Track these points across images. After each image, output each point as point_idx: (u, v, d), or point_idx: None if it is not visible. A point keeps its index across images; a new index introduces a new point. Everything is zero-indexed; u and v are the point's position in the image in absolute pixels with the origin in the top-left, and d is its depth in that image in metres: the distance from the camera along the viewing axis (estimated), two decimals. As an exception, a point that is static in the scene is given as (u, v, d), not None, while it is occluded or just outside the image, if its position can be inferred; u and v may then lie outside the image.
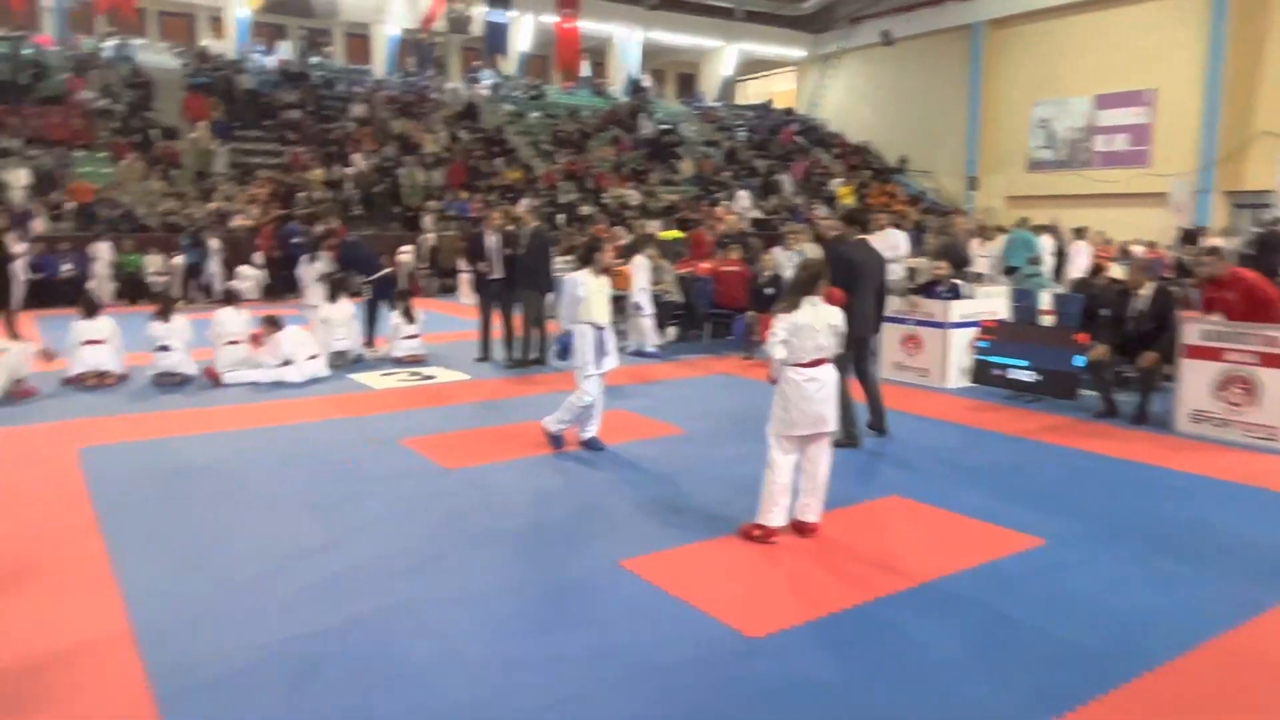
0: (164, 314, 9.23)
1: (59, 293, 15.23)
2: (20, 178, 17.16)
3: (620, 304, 10.74)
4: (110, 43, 23.84)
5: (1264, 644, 3.56)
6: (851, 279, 6.26)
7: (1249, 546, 4.67)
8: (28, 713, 3.08)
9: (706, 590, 4.11)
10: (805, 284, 4.76)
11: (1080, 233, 16.63)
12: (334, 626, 3.72)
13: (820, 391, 4.66)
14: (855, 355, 6.48)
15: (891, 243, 11.49)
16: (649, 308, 11.25)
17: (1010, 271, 12.70)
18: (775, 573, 4.35)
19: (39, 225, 16.22)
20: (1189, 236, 18.34)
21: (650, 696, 3.21)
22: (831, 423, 4.79)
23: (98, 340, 8.93)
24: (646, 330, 11.23)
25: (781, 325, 4.64)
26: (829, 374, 4.71)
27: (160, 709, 3.08)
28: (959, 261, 10.99)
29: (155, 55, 24.56)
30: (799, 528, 4.78)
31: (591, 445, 6.58)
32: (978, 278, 12.30)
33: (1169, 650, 3.48)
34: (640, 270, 11.16)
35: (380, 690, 3.23)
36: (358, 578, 4.27)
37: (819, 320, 4.67)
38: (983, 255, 14.59)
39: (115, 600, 3.97)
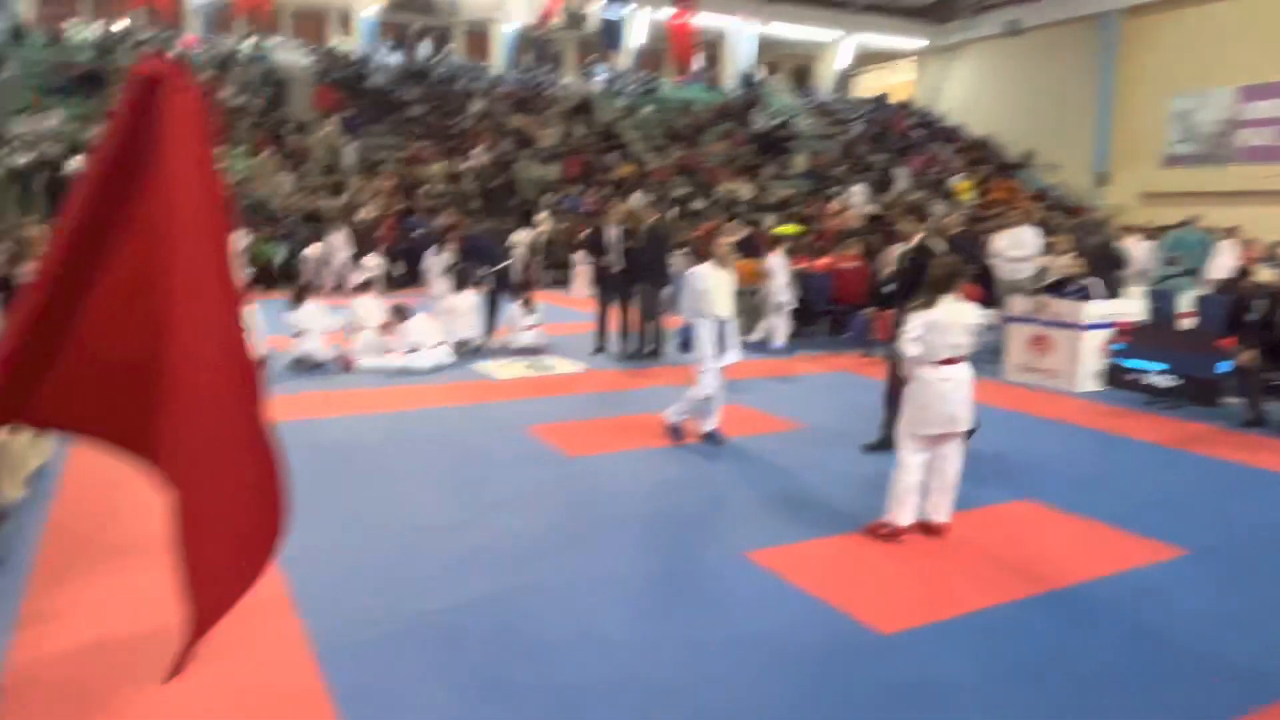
0: (299, 300, 9.74)
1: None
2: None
3: (743, 298, 10.85)
4: (248, 42, 25.17)
5: None
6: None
7: None
8: (206, 662, 3.35)
9: (835, 585, 4.15)
10: (943, 281, 4.72)
11: (1231, 231, 15.81)
12: (474, 600, 3.90)
13: (955, 391, 4.63)
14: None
15: (1020, 240, 11.23)
16: (790, 304, 11.31)
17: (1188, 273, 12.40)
18: (904, 571, 4.35)
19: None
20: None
21: (784, 685, 3.27)
22: (964, 422, 4.74)
23: (241, 325, 9.49)
24: (777, 327, 11.27)
25: (917, 322, 4.62)
26: (963, 373, 4.68)
27: (320, 665, 3.32)
28: (1115, 263, 10.57)
29: (288, 54, 25.68)
30: (927, 527, 4.76)
31: (712, 438, 6.64)
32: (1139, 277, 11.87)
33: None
34: (780, 269, 11.21)
35: (519, 663, 3.38)
36: (493, 555, 4.46)
37: (956, 318, 4.64)
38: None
39: (273, 567, 4.28)
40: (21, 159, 16.99)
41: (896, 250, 11.33)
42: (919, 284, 5.04)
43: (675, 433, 6.65)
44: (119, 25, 24.22)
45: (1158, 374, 8.22)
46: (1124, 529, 4.90)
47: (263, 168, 19.65)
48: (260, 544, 0.69)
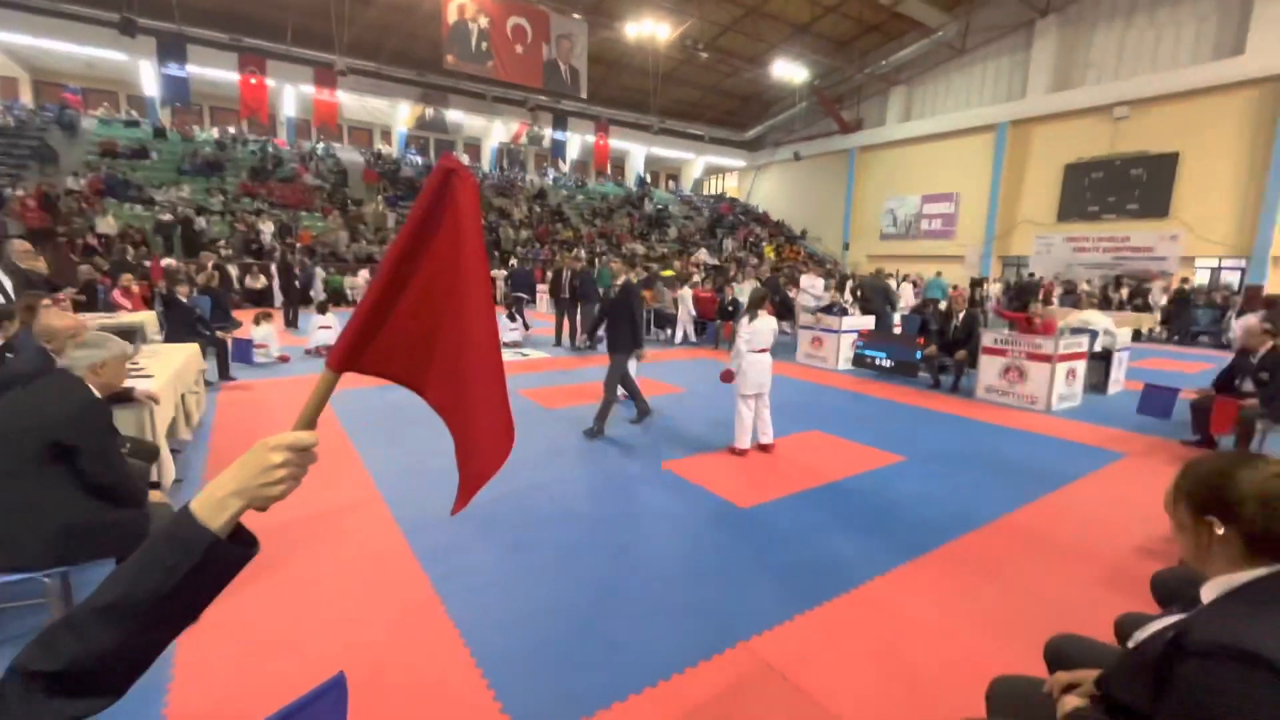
0: None
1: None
2: (269, 226, 17.10)
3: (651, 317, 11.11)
4: (320, 145, 23.66)
5: (1029, 520, 3.72)
6: (615, 310, 5.39)
7: (1022, 463, 4.79)
8: (334, 539, 3.26)
9: (714, 481, 4.23)
10: (757, 303, 4.83)
11: (905, 278, 16.98)
12: (498, 496, 3.86)
13: (765, 370, 4.75)
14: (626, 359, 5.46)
15: (812, 283, 11.61)
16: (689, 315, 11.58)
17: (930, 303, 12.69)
18: (750, 472, 4.46)
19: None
20: (976, 283, 18.57)
21: (690, 538, 3.37)
22: (768, 386, 4.82)
23: (327, 326, 9.04)
24: (686, 330, 11.58)
25: (745, 329, 4.74)
26: (769, 359, 4.77)
27: (407, 538, 3.27)
28: (887, 297, 10.57)
29: (347, 153, 24.35)
30: (762, 447, 4.89)
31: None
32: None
33: (980, 522, 3.66)
34: (686, 296, 11.53)
35: (531, 531, 3.39)
36: (508, 469, 4.43)
37: (765, 326, 4.77)
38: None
39: (368, 480, 4.11)
40: (166, 216, 15.55)
41: (733, 286, 11.69)
42: (744, 306, 5.14)
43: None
44: (231, 129, 22.39)
45: (883, 359, 8.56)
46: (871, 446, 5.12)
47: (329, 227, 18.54)
48: (503, 443, 0.72)
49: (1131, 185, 18.29)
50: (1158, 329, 14.31)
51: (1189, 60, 16.99)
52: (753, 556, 3.15)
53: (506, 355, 9.40)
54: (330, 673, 1.40)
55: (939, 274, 16.89)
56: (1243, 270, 16.41)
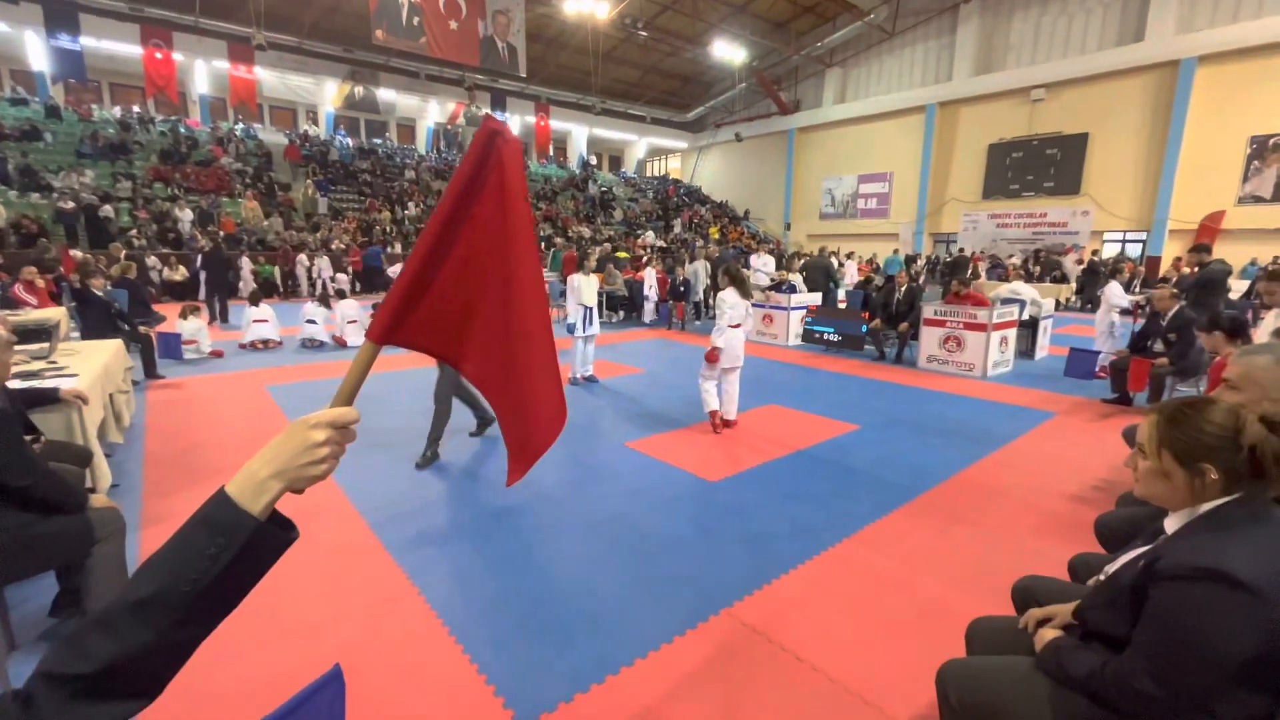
0: (323, 302, 9.03)
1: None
2: (187, 214, 15.90)
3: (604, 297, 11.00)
4: (239, 125, 22.09)
5: (977, 477, 3.96)
6: None
7: (966, 425, 5.06)
8: (303, 539, 3.11)
9: (679, 457, 4.27)
10: (736, 278, 4.82)
11: (850, 255, 17.53)
12: (462, 485, 3.79)
13: (739, 344, 4.80)
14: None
15: (764, 262, 11.74)
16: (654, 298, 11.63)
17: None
18: (716, 446, 4.53)
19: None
20: (909, 260, 19.35)
21: (659, 512, 3.40)
22: (741, 361, 4.89)
23: (263, 319, 8.54)
24: (648, 310, 11.64)
25: (726, 304, 4.73)
26: (741, 334, 4.83)
27: (376, 532, 3.17)
28: (829, 275, 10.87)
29: (270, 135, 22.84)
30: (725, 423, 4.94)
31: (589, 379, 6.63)
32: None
33: (933, 481, 3.87)
34: (650, 277, 11.62)
35: (499, 518, 3.35)
36: (471, 455, 4.34)
37: (735, 299, 4.77)
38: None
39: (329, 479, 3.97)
40: (67, 204, 14.20)
41: (684, 268, 11.75)
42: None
43: (573, 380, 6.58)
44: (136, 108, 20.56)
45: (830, 334, 8.81)
46: (826, 417, 5.31)
47: (255, 214, 17.41)
48: (560, 413, 0.69)
49: (1048, 164, 19.45)
50: (1073, 299, 15.38)
51: (1096, 46, 18.12)
52: (725, 527, 3.22)
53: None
54: (322, 669, 1.35)
55: (896, 251, 17.75)
56: (1143, 242, 17.82)
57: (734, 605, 2.51)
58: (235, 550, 0.61)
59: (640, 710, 1.95)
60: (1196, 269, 6.90)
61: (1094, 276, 14.94)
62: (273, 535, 0.65)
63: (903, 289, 7.94)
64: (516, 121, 26.21)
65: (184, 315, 7.76)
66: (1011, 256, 17.92)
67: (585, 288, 6.42)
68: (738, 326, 4.79)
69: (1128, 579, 1.23)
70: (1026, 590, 1.77)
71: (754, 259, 11.82)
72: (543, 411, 0.87)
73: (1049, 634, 1.40)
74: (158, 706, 0.65)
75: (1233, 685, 1.09)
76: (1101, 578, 1.37)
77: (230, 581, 0.62)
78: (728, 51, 23.18)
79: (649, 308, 11.51)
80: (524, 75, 21.66)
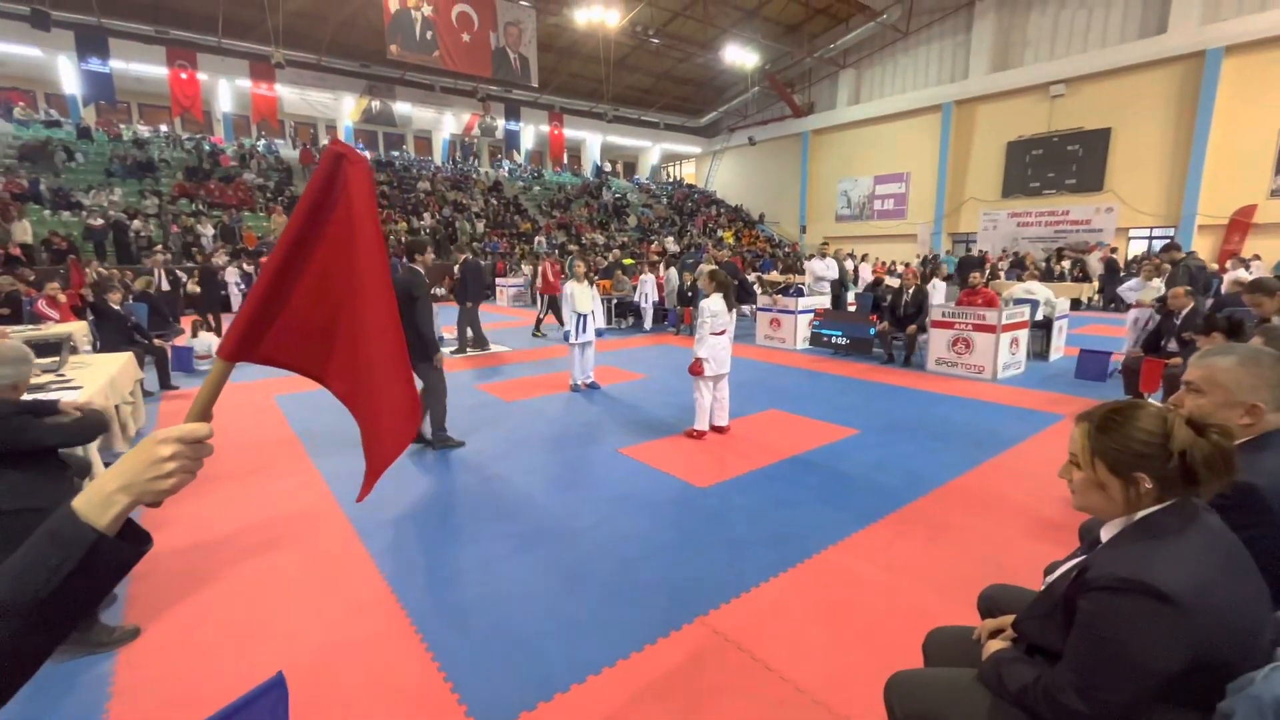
0: None
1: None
2: (209, 228, 16.37)
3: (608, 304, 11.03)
4: (261, 141, 22.71)
5: (975, 482, 3.88)
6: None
7: (970, 429, 4.96)
8: (288, 544, 3.18)
9: (671, 463, 4.26)
10: (723, 284, 4.77)
11: (864, 257, 17.34)
12: (455, 490, 3.83)
13: (725, 351, 4.75)
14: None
15: (828, 266, 10.90)
16: (651, 303, 11.46)
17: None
18: (707, 453, 4.51)
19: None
20: (927, 261, 19.04)
21: (650, 518, 3.39)
22: (729, 367, 4.81)
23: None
24: (647, 316, 11.48)
25: (706, 312, 4.69)
26: (727, 340, 4.78)
27: (362, 538, 3.21)
28: (844, 279, 10.92)
29: (289, 151, 23.43)
30: (717, 429, 4.92)
31: (591, 386, 6.64)
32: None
33: (929, 487, 3.80)
34: (647, 282, 11.41)
35: (491, 523, 3.36)
36: (464, 462, 4.36)
37: (718, 305, 4.70)
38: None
39: (320, 481, 4.02)
40: (97, 221, 14.72)
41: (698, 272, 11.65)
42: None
43: (574, 387, 6.55)
44: (164, 127, 21.28)
45: (838, 337, 8.69)
46: (826, 421, 5.23)
47: (278, 227, 17.83)
48: (407, 427, 0.70)
49: (1069, 160, 19.03)
50: (1095, 298, 14.99)
51: (1117, 39, 17.70)
52: (710, 534, 3.20)
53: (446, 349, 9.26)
54: (291, 674, 1.38)
55: (949, 252, 17.84)
56: (1171, 239, 17.30)
57: (709, 613, 2.50)
58: (75, 562, 0.63)
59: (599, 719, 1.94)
60: (1170, 267, 6.90)
61: (1113, 275, 14.57)
62: (118, 548, 0.67)
63: (910, 290, 7.82)
64: (531, 131, 26.47)
65: (194, 331, 7.97)
66: (1029, 255, 17.54)
67: (579, 295, 6.38)
68: (721, 334, 4.74)
69: (1060, 589, 1.19)
70: (991, 599, 1.73)
71: (816, 263, 10.89)
72: (386, 425, 0.88)
73: (993, 646, 1.37)
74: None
75: (1159, 700, 1.05)
76: (1041, 587, 1.34)
77: (72, 592, 0.63)
78: (740, 56, 23.16)
79: (648, 314, 11.39)
80: (536, 85, 21.88)
